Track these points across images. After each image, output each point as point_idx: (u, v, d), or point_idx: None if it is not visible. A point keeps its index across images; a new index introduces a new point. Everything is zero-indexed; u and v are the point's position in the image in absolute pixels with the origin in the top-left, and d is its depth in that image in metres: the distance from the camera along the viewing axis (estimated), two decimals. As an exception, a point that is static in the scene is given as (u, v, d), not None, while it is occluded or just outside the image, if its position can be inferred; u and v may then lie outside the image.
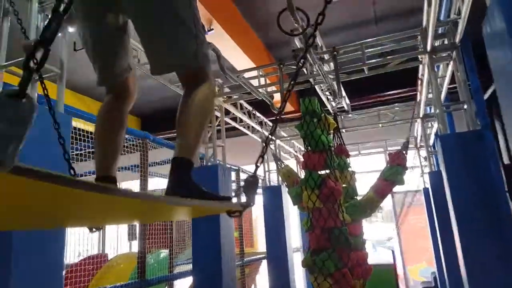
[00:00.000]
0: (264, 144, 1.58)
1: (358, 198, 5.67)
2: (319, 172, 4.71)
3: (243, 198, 1.50)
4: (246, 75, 7.04)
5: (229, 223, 5.60)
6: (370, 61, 5.71)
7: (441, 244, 7.19)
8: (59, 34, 3.19)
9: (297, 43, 5.29)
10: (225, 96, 6.72)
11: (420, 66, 6.27)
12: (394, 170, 5.66)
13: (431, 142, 9.14)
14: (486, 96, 7.29)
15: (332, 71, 5.81)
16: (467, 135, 4.59)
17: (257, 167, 1.54)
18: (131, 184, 7.41)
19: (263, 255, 8.87)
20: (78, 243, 6.78)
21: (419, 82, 6.67)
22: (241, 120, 7.99)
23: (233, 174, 7.48)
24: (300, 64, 1.66)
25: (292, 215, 9.22)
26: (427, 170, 9.28)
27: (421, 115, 8.00)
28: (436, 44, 5.31)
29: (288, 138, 10.33)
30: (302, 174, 5.07)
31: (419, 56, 5.72)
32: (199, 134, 1.53)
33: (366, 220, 5.88)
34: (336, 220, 4.53)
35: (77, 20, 1.64)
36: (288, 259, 8.17)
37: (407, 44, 5.70)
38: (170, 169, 1.48)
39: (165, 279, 5.50)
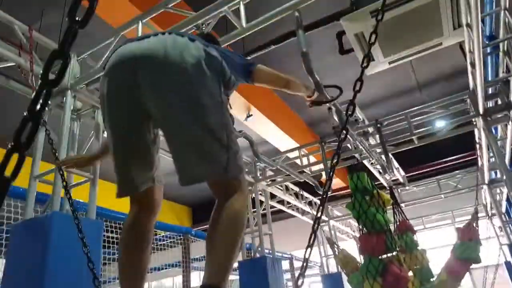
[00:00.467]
0: (312, 229, 1.35)
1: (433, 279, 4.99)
2: (380, 257, 4.24)
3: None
4: (291, 155, 6.93)
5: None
6: (419, 130, 5.39)
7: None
8: (92, 138, 3.28)
9: (336, 118, 5.15)
10: (269, 180, 6.55)
11: (476, 130, 5.82)
12: (466, 246, 5.03)
13: (503, 209, 8.21)
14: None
15: (378, 145, 5.53)
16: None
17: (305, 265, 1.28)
18: (175, 280, 7.13)
19: None
20: None
21: (478, 146, 6.15)
22: (288, 202, 7.70)
23: (285, 264, 7.00)
24: (341, 138, 1.53)
25: (357, 304, 8.32)
26: (504, 240, 8.23)
27: (486, 181, 7.28)
28: (489, 105, 4.94)
29: (343, 217, 9.77)
30: (361, 258, 4.59)
31: (473, 120, 5.33)
32: (231, 254, 1.37)
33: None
34: (407, 314, 3.94)
35: (105, 125, 1.60)
36: None
37: (457, 109, 5.37)
38: None
39: None
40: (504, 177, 4.62)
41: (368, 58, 1.74)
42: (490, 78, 4.84)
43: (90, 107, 3.52)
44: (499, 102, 4.91)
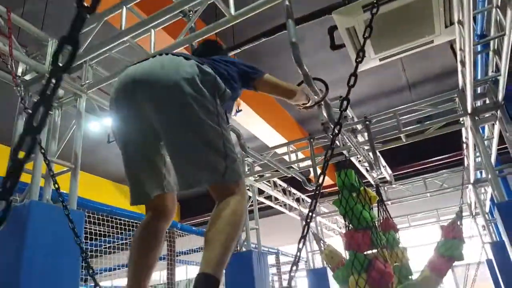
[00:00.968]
0: (304, 222, 1.47)
1: (414, 277, 5.00)
2: (365, 253, 4.23)
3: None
4: (280, 151, 6.88)
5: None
6: (407, 128, 5.39)
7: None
8: (74, 127, 3.18)
9: (325, 114, 5.12)
10: (257, 175, 6.49)
11: (463, 129, 5.85)
12: (450, 244, 5.03)
13: (487, 208, 8.31)
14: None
15: (366, 142, 5.52)
16: (530, 201, 4.05)
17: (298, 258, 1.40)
18: (162, 274, 7.07)
19: None
20: None
21: (464, 146, 6.19)
22: (276, 199, 7.66)
23: (271, 258, 6.98)
24: (335, 133, 1.63)
25: (341, 300, 8.35)
26: (487, 239, 8.34)
27: (471, 181, 7.35)
28: (477, 105, 4.96)
29: (330, 214, 9.79)
30: (347, 255, 4.58)
31: (461, 119, 5.35)
32: (226, 250, 1.44)
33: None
34: (390, 310, 3.94)
35: (118, 144, 1.74)
36: None
37: (445, 107, 5.38)
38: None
39: None
40: (489, 176, 4.65)
41: (363, 52, 1.72)
42: (479, 77, 4.85)
43: (72, 95, 3.41)
44: (487, 102, 4.94)
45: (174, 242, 4.55)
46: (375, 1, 1.79)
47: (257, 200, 6.61)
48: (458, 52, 4.07)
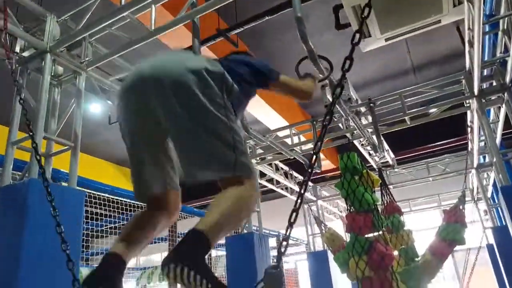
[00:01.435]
0: (297, 201, 1.34)
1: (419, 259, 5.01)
2: (366, 236, 4.22)
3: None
4: (281, 134, 6.83)
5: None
6: (412, 111, 5.31)
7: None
8: (73, 106, 3.13)
9: (329, 97, 5.05)
10: (258, 158, 6.46)
11: (468, 112, 5.77)
12: (452, 228, 5.04)
13: (489, 194, 8.28)
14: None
15: (370, 124, 5.45)
16: (534, 185, 4.02)
17: (287, 234, 1.30)
18: (163, 256, 7.09)
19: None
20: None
21: (469, 129, 6.11)
22: (278, 182, 7.64)
23: (272, 241, 7.00)
24: (330, 115, 1.49)
25: (342, 282, 8.40)
26: (488, 224, 8.34)
27: (475, 165, 7.30)
28: (484, 87, 4.87)
29: (331, 197, 9.79)
30: (347, 238, 4.57)
31: (466, 102, 5.27)
32: (226, 218, 1.40)
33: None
34: (390, 292, 3.95)
35: (124, 138, 1.72)
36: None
37: (451, 90, 5.29)
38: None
39: None
40: (494, 160, 4.60)
41: (360, 33, 1.63)
42: (486, 58, 4.75)
43: (71, 73, 3.35)
44: (494, 84, 4.85)
45: (175, 223, 4.53)
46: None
47: (259, 183, 6.60)
48: (466, 32, 3.97)
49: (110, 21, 3.14)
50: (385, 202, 5.63)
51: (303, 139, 6.80)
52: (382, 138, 5.75)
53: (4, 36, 2.64)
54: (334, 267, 7.71)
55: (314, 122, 5.92)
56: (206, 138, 1.50)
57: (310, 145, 7.27)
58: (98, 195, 4.44)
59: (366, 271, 3.96)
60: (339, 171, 4.72)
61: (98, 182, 3.84)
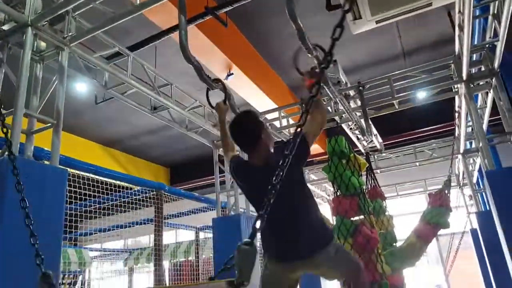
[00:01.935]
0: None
1: (398, 244, 5.09)
2: (352, 219, 4.26)
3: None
4: (270, 117, 6.79)
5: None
6: (400, 95, 5.31)
7: (497, 291, 6.32)
8: (56, 82, 3.05)
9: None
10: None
11: (456, 98, 5.79)
12: (437, 212, 5.11)
13: (474, 179, 8.41)
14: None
15: (359, 107, 5.44)
16: (518, 170, 4.06)
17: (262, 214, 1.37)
18: (151, 238, 7.09)
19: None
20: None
21: (457, 115, 6.15)
22: (266, 165, 7.63)
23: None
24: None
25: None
26: (473, 209, 8.49)
27: (461, 151, 7.38)
28: (472, 72, 4.87)
29: (319, 181, 9.84)
30: (334, 221, 4.62)
31: (454, 87, 5.28)
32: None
33: (409, 265, 5.23)
34: (374, 273, 4.01)
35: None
36: (325, 315, 7.44)
37: (440, 74, 5.29)
38: None
39: None
40: (480, 145, 4.64)
41: (342, 21, 1.55)
42: (475, 43, 4.74)
43: (54, 48, 3.25)
44: (483, 69, 4.85)
45: (162, 205, 4.51)
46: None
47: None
48: (457, 16, 3.94)
49: (94, -5, 3.04)
50: (369, 186, 5.69)
51: (292, 122, 6.77)
52: (370, 122, 5.76)
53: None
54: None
55: (303, 105, 5.88)
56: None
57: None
58: (84, 175, 4.38)
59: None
60: (327, 154, 4.74)
61: (83, 162, 3.77)
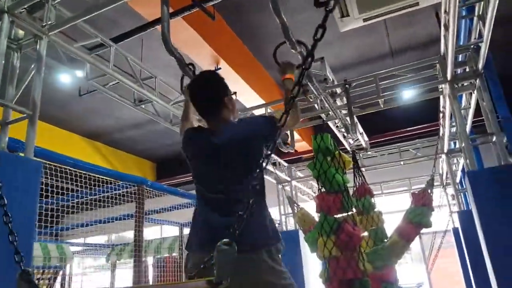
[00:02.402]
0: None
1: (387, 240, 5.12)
2: (336, 216, 4.25)
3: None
4: (257, 113, 6.76)
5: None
6: (385, 93, 5.32)
7: (477, 291, 6.41)
8: (33, 72, 2.96)
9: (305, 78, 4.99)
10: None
11: (441, 98, 5.83)
12: (419, 211, 5.14)
13: (457, 179, 8.51)
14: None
15: (344, 105, 5.44)
16: (498, 170, 4.12)
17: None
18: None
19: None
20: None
21: (441, 115, 6.20)
22: (253, 161, 7.59)
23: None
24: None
25: (312, 263, 8.55)
26: (455, 208, 8.60)
27: (445, 151, 7.45)
28: (457, 73, 4.91)
29: (305, 178, 9.85)
30: (318, 217, 4.61)
31: (439, 87, 5.31)
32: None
33: (393, 262, 5.28)
34: (356, 271, 4.00)
35: None
36: (308, 312, 7.46)
37: (425, 74, 5.31)
38: None
39: None
40: (463, 145, 4.68)
41: (324, 21, 1.53)
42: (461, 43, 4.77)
43: (32, 37, 3.15)
44: (467, 70, 4.89)
45: (143, 200, 4.43)
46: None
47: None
48: (443, 15, 3.95)
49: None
50: (357, 184, 5.69)
51: (278, 118, 6.73)
52: (356, 120, 5.76)
53: None
54: (305, 247, 7.81)
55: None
56: None
57: (285, 125, 7.22)
58: (66, 169, 4.28)
59: (333, 251, 4.02)
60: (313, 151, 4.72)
61: (60, 154, 3.68)
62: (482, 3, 3.63)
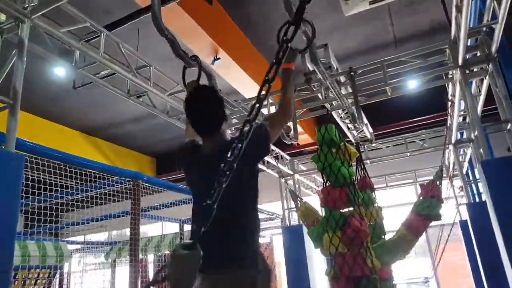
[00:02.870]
0: None
1: (387, 237, 4.92)
2: (341, 210, 4.04)
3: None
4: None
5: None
6: (392, 81, 5.08)
7: (487, 285, 6.20)
8: (14, 59, 2.74)
9: (309, 66, 4.75)
10: (233, 128, 6.15)
11: (450, 86, 5.58)
12: (428, 203, 4.95)
13: (464, 170, 8.29)
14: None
15: (350, 94, 5.20)
16: (517, 160, 3.90)
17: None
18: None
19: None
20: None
21: (449, 104, 5.95)
22: (253, 154, 7.38)
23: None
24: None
25: (316, 258, 8.35)
26: (463, 200, 8.39)
27: (453, 141, 7.21)
28: (467, 58, 4.66)
29: (308, 172, 9.63)
30: (323, 212, 4.40)
31: (449, 73, 5.07)
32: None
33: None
34: (363, 268, 3.80)
35: None
36: (312, 308, 7.30)
37: (434, 60, 5.07)
38: None
39: None
40: (476, 133, 4.45)
41: None
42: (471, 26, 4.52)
43: (13, 20, 2.92)
44: (478, 55, 4.64)
45: (139, 196, 4.22)
46: None
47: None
48: (455, -5, 3.70)
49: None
50: (359, 177, 5.49)
51: (280, 110, 6.51)
52: (361, 110, 5.53)
53: None
54: (308, 242, 7.62)
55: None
56: None
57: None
58: (55, 163, 4.05)
59: (340, 247, 3.81)
60: (317, 143, 4.50)
61: (47, 148, 3.45)
62: (498, -20, 3.39)
